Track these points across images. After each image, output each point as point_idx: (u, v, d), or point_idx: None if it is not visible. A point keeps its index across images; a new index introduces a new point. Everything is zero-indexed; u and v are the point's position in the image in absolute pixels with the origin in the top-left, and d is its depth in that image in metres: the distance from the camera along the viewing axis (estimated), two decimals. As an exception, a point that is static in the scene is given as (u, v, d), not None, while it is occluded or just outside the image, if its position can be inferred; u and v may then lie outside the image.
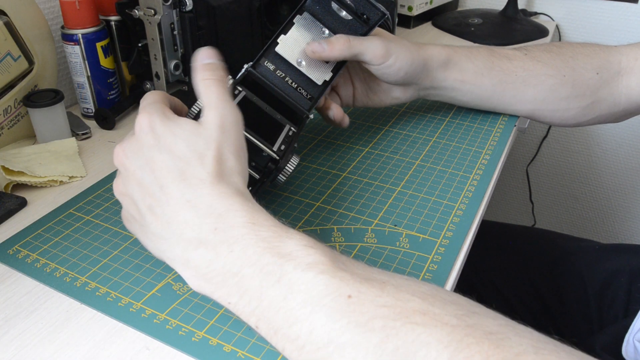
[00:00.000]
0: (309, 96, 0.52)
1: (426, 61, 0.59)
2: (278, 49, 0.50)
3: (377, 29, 0.57)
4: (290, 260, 0.31)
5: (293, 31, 0.51)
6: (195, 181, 0.34)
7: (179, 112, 0.41)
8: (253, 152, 0.44)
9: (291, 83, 0.51)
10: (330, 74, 0.53)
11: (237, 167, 0.36)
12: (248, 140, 0.43)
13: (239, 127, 0.38)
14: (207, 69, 0.39)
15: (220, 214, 0.33)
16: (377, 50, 0.54)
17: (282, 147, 0.46)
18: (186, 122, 0.36)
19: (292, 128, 0.49)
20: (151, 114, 0.37)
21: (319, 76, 0.52)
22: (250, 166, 0.44)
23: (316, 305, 0.29)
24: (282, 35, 0.50)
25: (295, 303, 0.29)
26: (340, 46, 0.52)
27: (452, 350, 0.25)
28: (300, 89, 0.51)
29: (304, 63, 0.51)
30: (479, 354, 0.25)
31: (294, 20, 0.51)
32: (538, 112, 0.64)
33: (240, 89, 0.48)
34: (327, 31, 0.52)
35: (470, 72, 0.61)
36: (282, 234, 0.33)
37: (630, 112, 0.65)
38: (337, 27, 0.53)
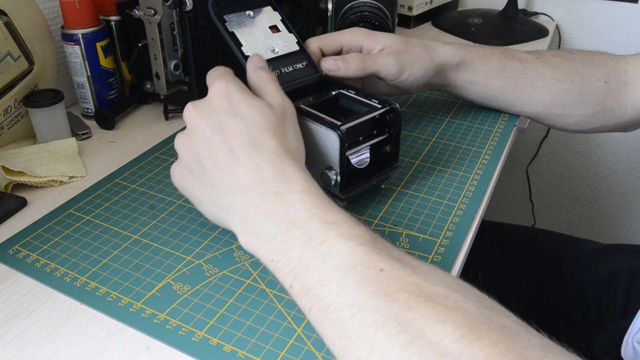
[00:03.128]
0: (306, 63, 0.54)
1: (440, 66, 0.60)
2: None
3: (388, 39, 0.57)
4: (336, 228, 0.33)
5: (242, 36, 0.51)
6: (267, 149, 0.38)
7: None
8: (370, 126, 0.49)
9: (288, 70, 0.52)
10: (292, 35, 0.54)
11: (299, 148, 0.41)
12: (360, 124, 0.47)
13: (295, 114, 0.43)
14: (262, 69, 0.45)
15: (284, 180, 0.37)
16: (390, 68, 0.56)
17: (374, 100, 0.50)
18: (260, 99, 0.41)
19: (337, 91, 0.53)
20: (229, 82, 0.41)
21: (291, 44, 0.54)
22: (378, 134, 0.50)
23: (349, 270, 0.31)
24: (242, 47, 0.50)
25: (331, 266, 0.32)
26: (355, 66, 0.54)
27: (466, 331, 0.27)
28: (296, 66, 0.53)
29: (276, 49, 0.52)
30: (489, 339, 0.26)
31: (231, 30, 0.50)
32: (542, 114, 0.64)
33: None
34: (251, 12, 0.53)
35: (482, 73, 0.62)
36: (333, 206, 0.36)
37: (637, 122, 0.64)
38: (255, 1, 0.54)
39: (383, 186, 0.54)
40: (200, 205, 0.41)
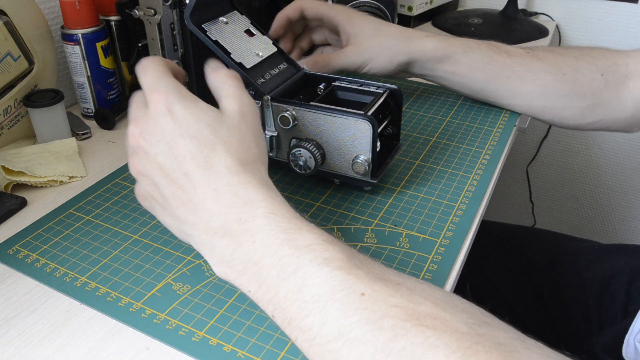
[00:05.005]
0: (286, 63, 0.55)
1: (414, 55, 0.62)
2: (246, 65, 0.50)
3: (363, 26, 0.62)
4: (308, 253, 0.31)
5: (226, 44, 0.50)
6: (222, 169, 0.35)
7: (177, 77, 0.41)
8: (380, 110, 0.52)
9: (275, 72, 0.53)
10: (266, 37, 0.55)
11: (259, 155, 0.38)
12: (377, 109, 0.50)
13: (256, 115, 0.39)
14: (220, 67, 0.41)
15: (245, 204, 0.34)
16: (352, 65, 0.63)
17: (371, 86, 0.54)
18: (208, 107, 0.37)
19: (331, 84, 0.55)
20: (167, 94, 0.36)
21: (269, 46, 0.54)
22: (383, 118, 0.53)
23: (329, 300, 0.29)
24: (232, 55, 0.50)
25: (310, 296, 0.30)
26: (319, 68, 0.61)
27: (460, 356, 0.25)
28: (280, 67, 0.54)
29: (259, 52, 0.52)
30: None
31: (214, 39, 0.50)
32: (534, 108, 0.64)
33: (291, 110, 0.49)
34: (224, 19, 0.52)
35: (465, 65, 0.62)
36: (302, 226, 0.33)
37: (639, 119, 0.63)
38: (222, 7, 0.54)
39: (383, 187, 0.55)
40: (170, 229, 0.38)
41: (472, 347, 0.26)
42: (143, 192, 0.39)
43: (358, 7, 0.81)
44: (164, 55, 0.62)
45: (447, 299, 0.30)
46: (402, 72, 0.65)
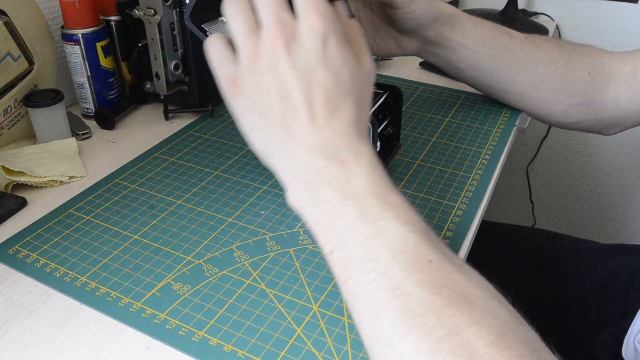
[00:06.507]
0: None
1: (438, 14, 0.62)
2: None
3: None
4: (393, 209, 0.33)
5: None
6: (346, 116, 0.36)
7: None
8: (379, 110, 0.52)
9: None
10: None
11: (366, 118, 0.39)
12: (377, 109, 0.51)
13: (373, 85, 0.40)
14: (353, 19, 0.40)
15: (354, 150, 0.35)
16: None
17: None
18: (353, 57, 0.37)
19: None
20: (328, 23, 0.36)
21: None
22: (383, 118, 0.54)
23: (400, 253, 0.31)
24: None
25: (382, 245, 0.31)
26: None
27: (498, 337, 0.28)
28: None
29: None
30: (516, 350, 0.27)
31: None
32: (526, 97, 0.64)
33: None
34: (222, 18, 0.51)
35: (473, 38, 0.63)
36: (394, 188, 0.35)
37: (618, 121, 0.64)
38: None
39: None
40: (254, 136, 0.37)
41: (509, 334, 0.28)
42: (243, 81, 0.36)
43: (358, 7, 0.81)
44: (164, 56, 0.62)
45: (497, 292, 0.33)
46: (421, 36, 0.63)
